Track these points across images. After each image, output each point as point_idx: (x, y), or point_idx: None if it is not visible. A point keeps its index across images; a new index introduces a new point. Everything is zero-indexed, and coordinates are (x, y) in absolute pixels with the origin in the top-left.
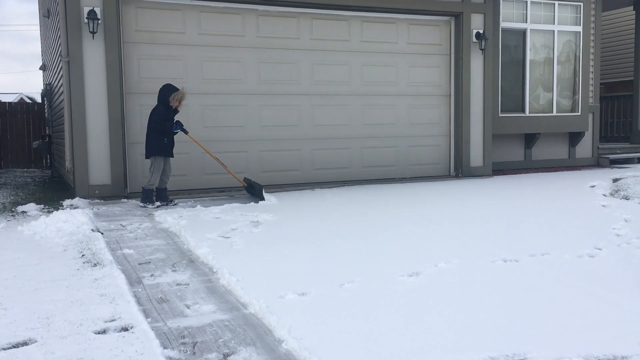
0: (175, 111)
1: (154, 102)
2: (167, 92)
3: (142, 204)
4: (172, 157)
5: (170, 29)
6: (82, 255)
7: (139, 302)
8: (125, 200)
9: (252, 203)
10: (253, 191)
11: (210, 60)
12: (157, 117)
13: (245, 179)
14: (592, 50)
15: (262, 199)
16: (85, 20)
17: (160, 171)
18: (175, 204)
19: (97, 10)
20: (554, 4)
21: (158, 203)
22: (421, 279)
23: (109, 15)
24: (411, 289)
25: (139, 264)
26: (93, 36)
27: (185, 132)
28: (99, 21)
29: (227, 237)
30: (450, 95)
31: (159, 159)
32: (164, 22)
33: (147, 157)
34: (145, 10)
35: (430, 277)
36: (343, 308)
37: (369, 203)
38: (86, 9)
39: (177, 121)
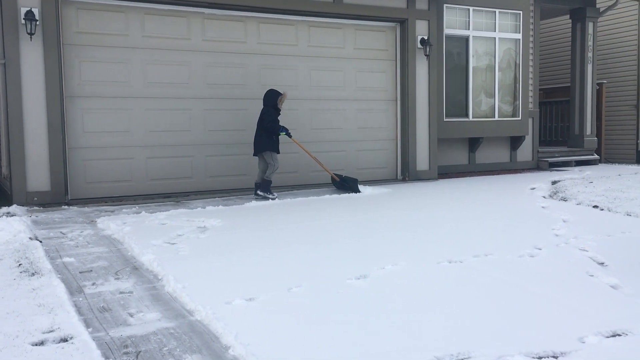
0: (279, 112)
1: (97, 105)
2: (275, 96)
3: (262, 193)
4: (279, 152)
5: (112, 31)
6: (19, 265)
7: (79, 311)
8: (66, 207)
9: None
10: (346, 185)
11: (154, 64)
12: (269, 118)
13: (337, 174)
14: (531, 57)
15: (357, 191)
16: (23, 21)
17: (275, 163)
18: (275, 197)
19: (35, 11)
20: (495, 11)
21: (276, 194)
22: (369, 281)
23: (47, 16)
24: (359, 292)
25: (80, 272)
26: (31, 38)
27: (289, 136)
28: (37, 22)
29: (173, 244)
30: (396, 100)
31: (273, 154)
32: (107, 24)
33: (257, 154)
34: (87, 11)
35: (377, 279)
36: (291, 313)
37: (318, 208)
38: (23, 10)
39: (282, 125)
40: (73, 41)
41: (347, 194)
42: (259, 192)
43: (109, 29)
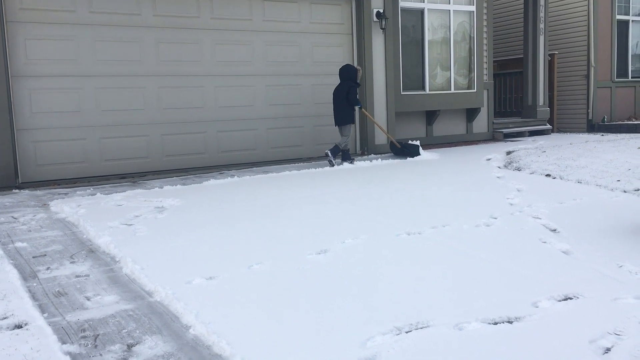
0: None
1: (45, 85)
2: (354, 71)
3: (348, 162)
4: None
5: (58, 7)
6: None
7: (34, 297)
8: (17, 190)
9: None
10: (407, 151)
11: (104, 41)
12: (355, 93)
13: (397, 141)
14: (485, 30)
15: (418, 154)
16: None
17: (349, 134)
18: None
19: None
20: None
21: (351, 159)
22: (329, 256)
23: None
24: (319, 267)
25: (33, 257)
26: None
27: (360, 108)
28: None
29: (130, 225)
30: None
31: (352, 126)
32: (52, 0)
33: (340, 125)
34: None
35: (338, 254)
36: (252, 290)
37: (278, 184)
38: None
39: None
40: (17, 18)
41: (306, 170)
42: (347, 162)
43: (54, 5)
